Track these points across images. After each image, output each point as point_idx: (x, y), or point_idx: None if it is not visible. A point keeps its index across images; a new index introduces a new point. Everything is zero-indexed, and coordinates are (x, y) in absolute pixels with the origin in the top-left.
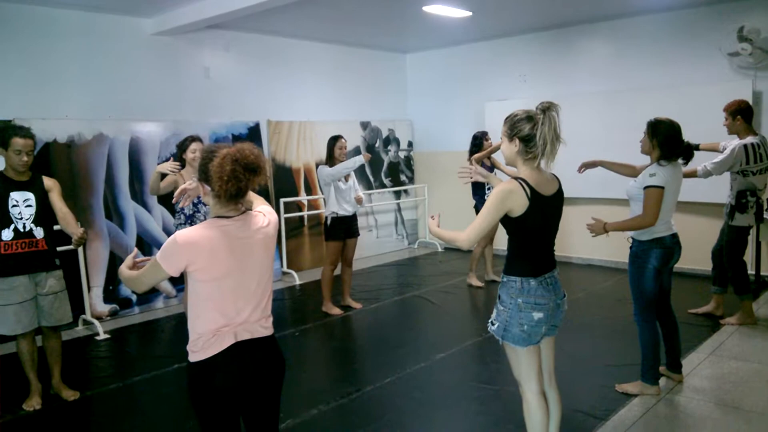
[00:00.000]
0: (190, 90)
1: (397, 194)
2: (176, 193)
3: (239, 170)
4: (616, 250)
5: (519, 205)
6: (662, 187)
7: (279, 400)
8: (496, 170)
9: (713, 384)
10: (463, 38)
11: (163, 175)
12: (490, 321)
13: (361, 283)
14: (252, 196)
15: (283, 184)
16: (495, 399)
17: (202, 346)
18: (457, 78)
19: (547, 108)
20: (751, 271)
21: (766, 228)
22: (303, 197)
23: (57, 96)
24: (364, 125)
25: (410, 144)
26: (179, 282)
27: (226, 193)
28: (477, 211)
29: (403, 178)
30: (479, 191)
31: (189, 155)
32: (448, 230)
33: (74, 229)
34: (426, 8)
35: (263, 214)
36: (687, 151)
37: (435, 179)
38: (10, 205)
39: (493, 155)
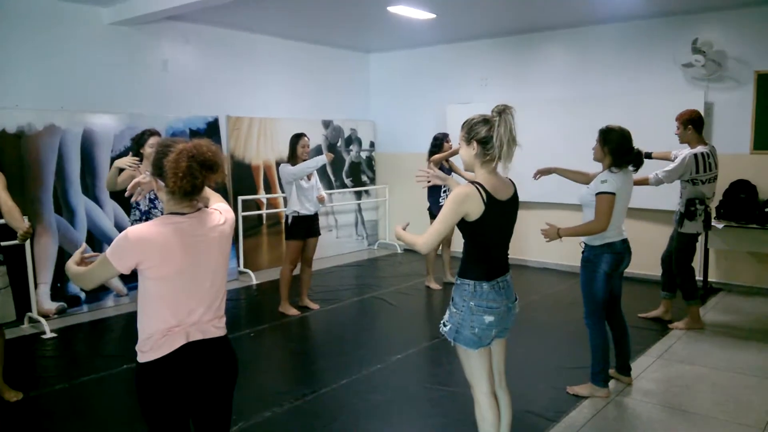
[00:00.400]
0: (147, 82)
1: (358, 194)
2: (129, 187)
3: (195, 167)
4: (570, 254)
5: (475, 209)
6: (614, 194)
7: (231, 402)
8: (453, 174)
9: (661, 387)
10: (426, 40)
11: (121, 170)
12: (442, 322)
13: (320, 283)
14: (209, 192)
15: (242, 181)
16: (450, 400)
17: (152, 346)
18: (420, 80)
19: (503, 111)
20: (699, 277)
21: (714, 236)
22: (262, 195)
23: (7, 84)
24: (326, 124)
25: (372, 144)
26: (131, 280)
27: (180, 190)
28: (431, 214)
29: (364, 178)
30: (434, 194)
31: (147, 150)
32: (410, 234)
33: (20, 224)
34: (390, 8)
35: (219, 212)
36: (637, 159)
37: (396, 180)
38: None
39: (452, 159)
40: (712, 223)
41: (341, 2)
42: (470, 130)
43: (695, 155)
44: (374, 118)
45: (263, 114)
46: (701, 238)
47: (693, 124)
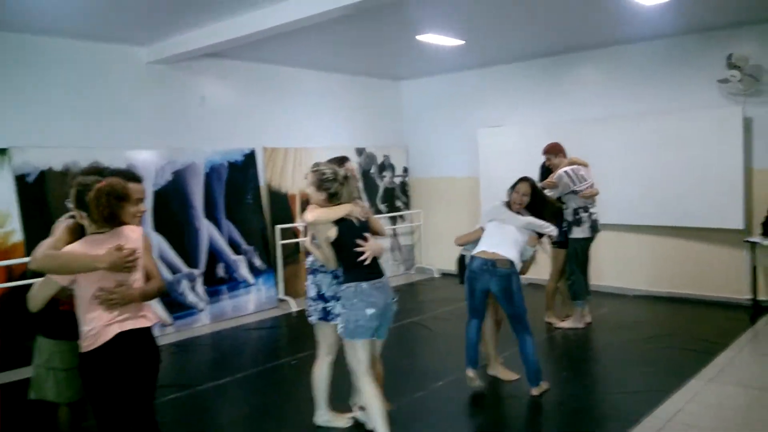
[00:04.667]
0: (185, 118)
1: (393, 220)
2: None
3: (111, 199)
4: (629, 276)
5: (330, 232)
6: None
7: (155, 383)
8: None
9: (712, 411)
10: (456, 66)
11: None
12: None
13: None
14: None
15: (279, 210)
16: (494, 428)
17: (91, 338)
18: (451, 104)
19: (347, 176)
20: (748, 296)
21: (762, 254)
22: (299, 223)
23: (52, 124)
24: (360, 151)
25: (405, 170)
26: (176, 310)
27: (100, 217)
28: (558, 244)
29: (398, 203)
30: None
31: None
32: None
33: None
34: (419, 37)
35: (132, 229)
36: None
37: (430, 205)
38: None
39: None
40: (758, 240)
41: (371, 34)
42: (321, 184)
43: (565, 172)
44: (407, 143)
45: (298, 144)
46: (747, 255)
47: (560, 152)
